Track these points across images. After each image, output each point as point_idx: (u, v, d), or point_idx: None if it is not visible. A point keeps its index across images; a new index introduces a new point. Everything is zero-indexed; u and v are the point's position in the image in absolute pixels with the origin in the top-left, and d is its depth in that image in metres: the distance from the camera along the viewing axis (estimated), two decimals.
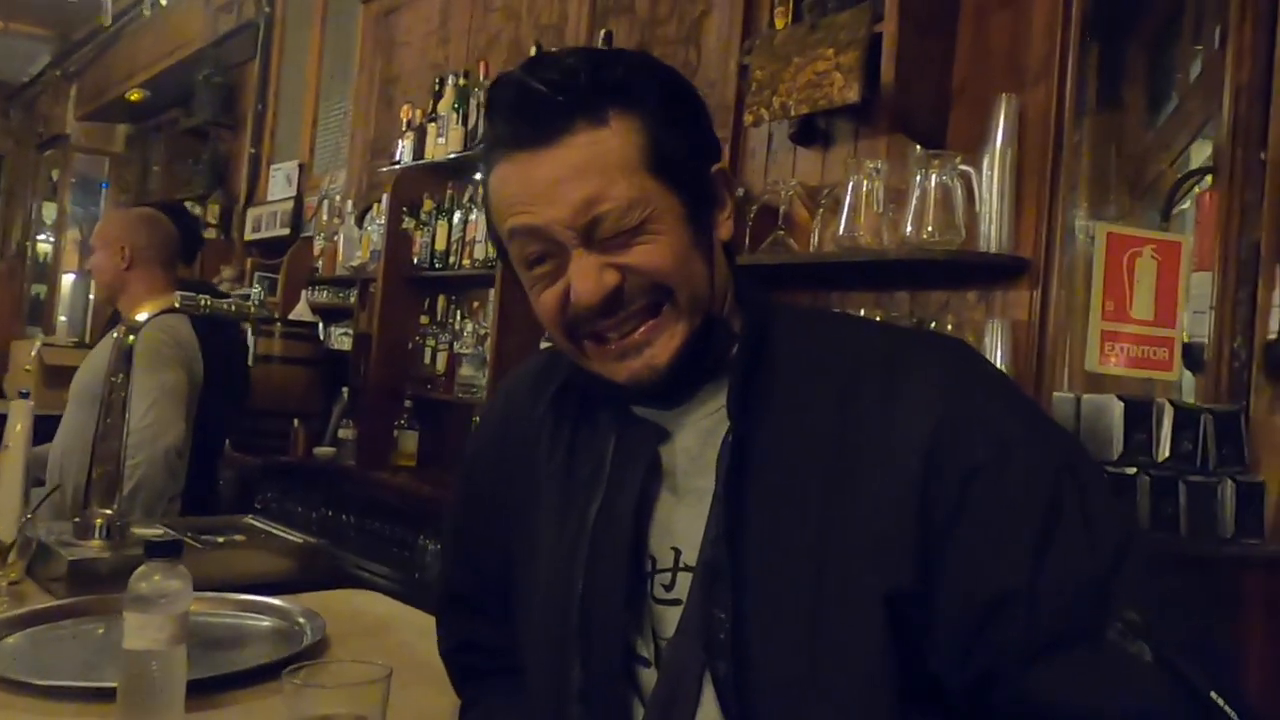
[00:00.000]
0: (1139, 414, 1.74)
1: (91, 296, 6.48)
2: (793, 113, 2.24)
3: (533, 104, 0.77)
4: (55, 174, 7.50)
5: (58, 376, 3.68)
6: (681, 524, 0.82)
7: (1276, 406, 1.77)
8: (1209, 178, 2.01)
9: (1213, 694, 0.66)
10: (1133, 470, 1.71)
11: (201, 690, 0.96)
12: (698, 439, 0.83)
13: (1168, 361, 1.89)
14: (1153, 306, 1.88)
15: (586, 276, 0.78)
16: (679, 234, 0.79)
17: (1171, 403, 1.76)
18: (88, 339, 5.39)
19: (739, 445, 0.79)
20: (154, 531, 1.62)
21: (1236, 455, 1.76)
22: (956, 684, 0.73)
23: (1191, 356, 1.91)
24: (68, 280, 7.58)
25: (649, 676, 0.83)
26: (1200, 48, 2.14)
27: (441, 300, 3.43)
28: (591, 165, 0.76)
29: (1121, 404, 1.74)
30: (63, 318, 7.45)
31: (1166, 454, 1.73)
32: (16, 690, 0.97)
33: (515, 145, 0.79)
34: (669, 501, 0.84)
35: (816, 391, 0.80)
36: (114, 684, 0.91)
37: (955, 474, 0.72)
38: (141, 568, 0.90)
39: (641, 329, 0.80)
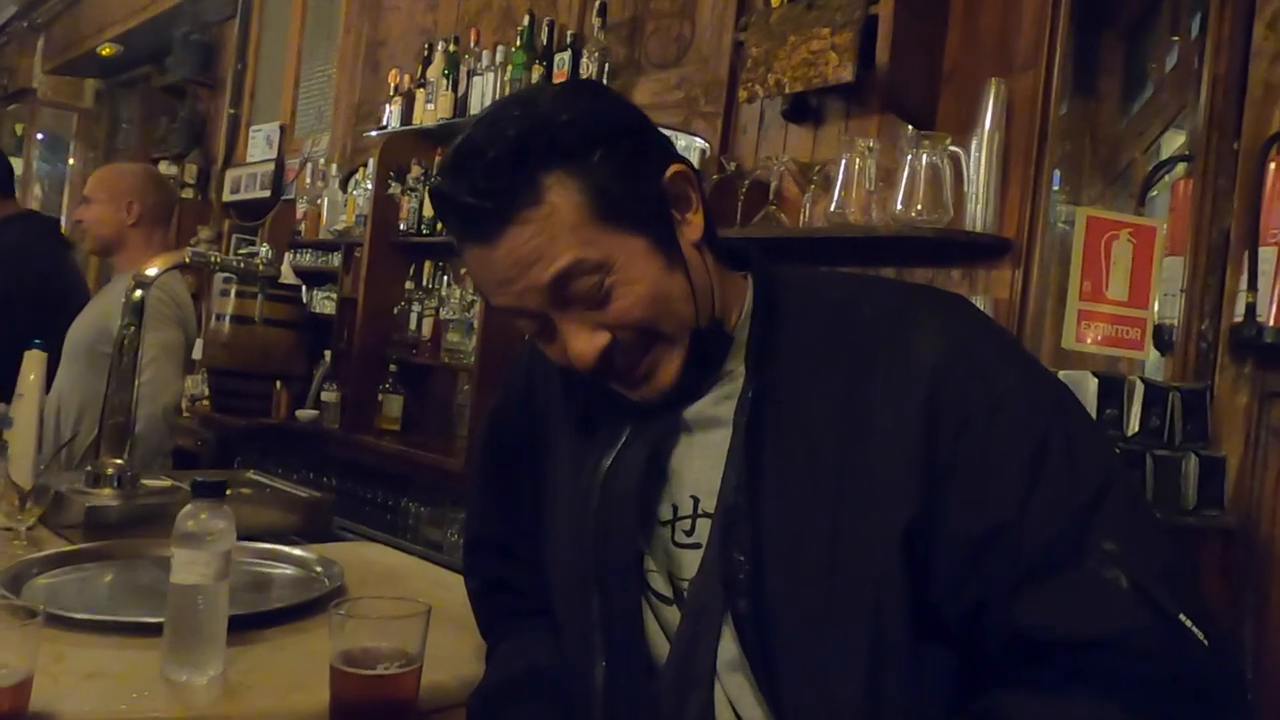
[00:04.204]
0: (1112, 390, 1.82)
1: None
2: (787, 90, 2.29)
3: (465, 216, 0.81)
4: (19, 129, 7.32)
5: None
6: (698, 474, 0.88)
7: (1239, 386, 1.86)
8: (1182, 166, 2.09)
9: (1181, 616, 0.73)
10: None
11: (236, 628, 1.00)
12: (712, 398, 0.89)
13: (1139, 341, 1.97)
14: (1127, 288, 1.96)
15: (578, 338, 0.83)
16: (649, 271, 0.82)
17: (1143, 380, 1.84)
18: None
19: (756, 399, 0.85)
20: (161, 483, 1.66)
21: (1201, 431, 1.85)
22: (952, 615, 0.79)
23: (1161, 337, 2.00)
24: None
25: (672, 614, 0.89)
26: (1177, 39, 2.21)
27: (428, 266, 3.44)
28: (541, 245, 0.79)
29: (1096, 380, 1.82)
30: None
31: (1136, 428, 1.81)
32: (60, 625, 1.00)
33: (468, 241, 0.82)
34: (684, 455, 0.90)
35: (826, 346, 0.85)
36: (159, 619, 0.95)
37: (954, 421, 0.79)
38: (188, 506, 0.94)
39: (641, 365, 0.85)
